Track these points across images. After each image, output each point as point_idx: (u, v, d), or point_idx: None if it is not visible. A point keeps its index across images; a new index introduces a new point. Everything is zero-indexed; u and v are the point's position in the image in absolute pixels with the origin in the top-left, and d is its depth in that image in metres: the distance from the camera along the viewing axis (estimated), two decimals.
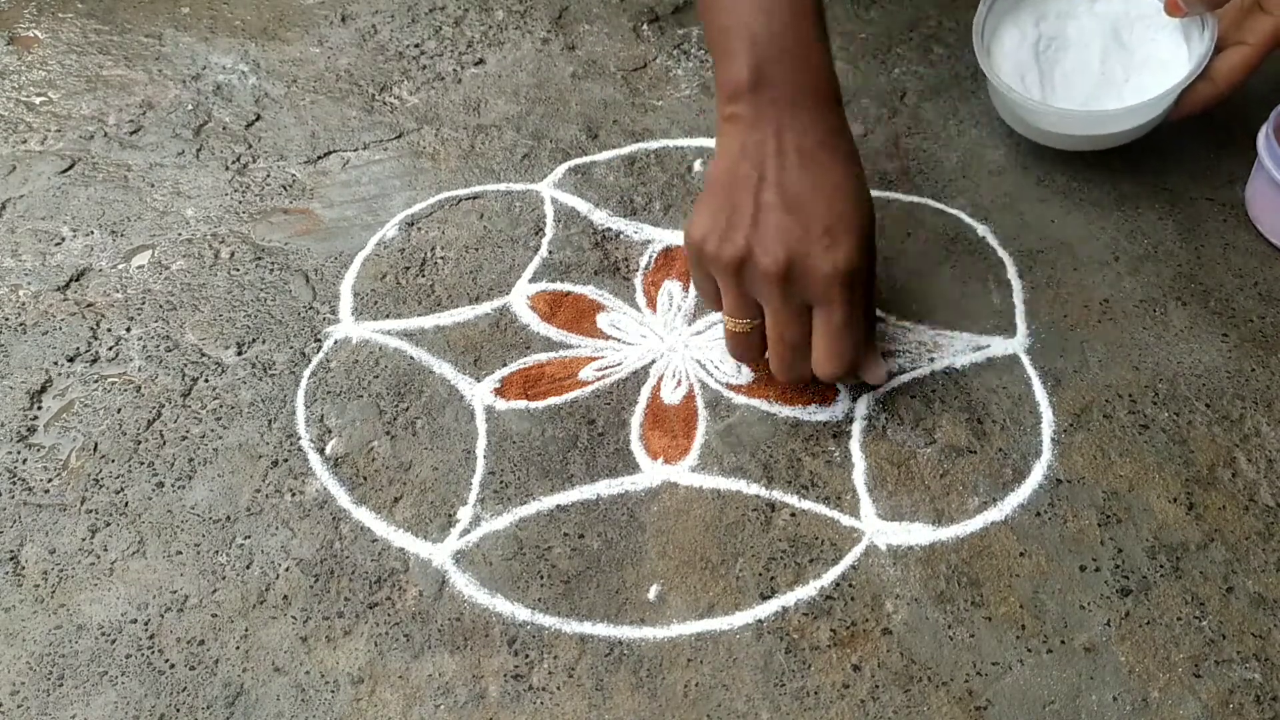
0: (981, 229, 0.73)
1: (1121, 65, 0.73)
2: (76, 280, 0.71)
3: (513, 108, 0.84)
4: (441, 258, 0.72)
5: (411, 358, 0.66)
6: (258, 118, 0.83)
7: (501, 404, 0.63)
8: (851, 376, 0.61)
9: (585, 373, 0.65)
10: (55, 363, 0.66)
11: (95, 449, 0.62)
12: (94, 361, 0.66)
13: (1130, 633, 0.53)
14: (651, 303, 0.69)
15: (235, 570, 0.56)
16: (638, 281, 0.71)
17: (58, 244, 0.74)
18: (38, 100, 0.85)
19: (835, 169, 0.55)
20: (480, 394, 0.64)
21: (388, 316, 0.69)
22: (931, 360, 0.65)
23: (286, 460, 0.61)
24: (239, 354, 0.67)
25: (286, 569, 0.56)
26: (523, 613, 0.54)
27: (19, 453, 0.62)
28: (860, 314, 0.56)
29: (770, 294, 0.55)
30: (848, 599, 0.54)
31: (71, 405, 0.64)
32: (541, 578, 0.56)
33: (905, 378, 0.64)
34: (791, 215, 0.53)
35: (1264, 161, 0.68)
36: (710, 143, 0.80)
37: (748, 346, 0.59)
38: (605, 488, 0.59)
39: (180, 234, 0.74)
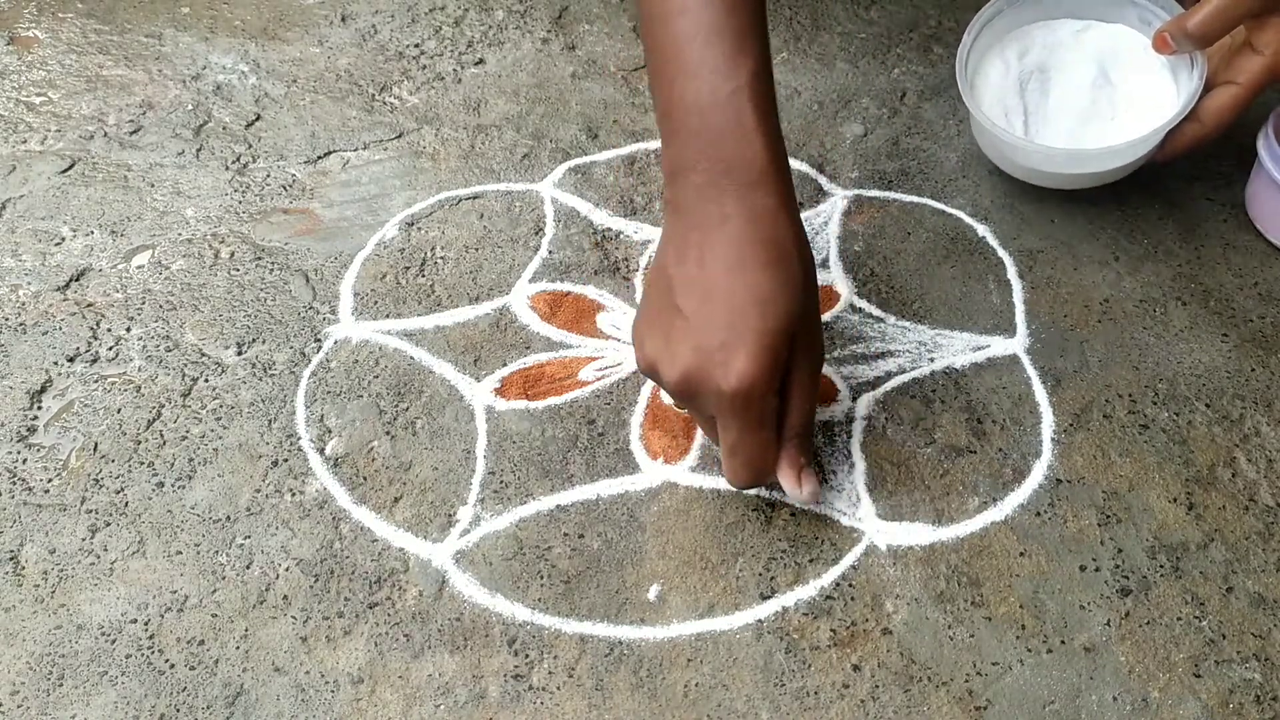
0: (981, 229, 0.73)
1: (1109, 102, 0.70)
2: (76, 280, 0.71)
3: (513, 108, 0.84)
4: (441, 258, 0.72)
5: (411, 358, 0.66)
6: (258, 118, 0.83)
7: (501, 404, 0.63)
8: (773, 484, 0.56)
9: (585, 373, 0.65)
10: (55, 363, 0.66)
11: (95, 449, 0.62)
12: (94, 361, 0.66)
13: (1130, 633, 0.53)
14: None
15: (235, 570, 0.56)
16: (638, 281, 0.71)
17: (58, 244, 0.74)
18: (38, 100, 0.85)
19: (745, 269, 0.49)
20: (480, 394, 0.64)
21: (388, 316, 0.69)
22: (931, 360, 0.65)
23: (286, 460, 0.61)
24: (239, 354, 0.67)
25: (286, 569, 0.56)
26: (523, 613, 0.54)
27: (19, 453, 0.61)
28: (758, 433, 0.50)
29: (682, 404, 0.53)
30: (848, 599, 0.54)
31: (71, 405, 0.64)
32: (541, 578, 0.56)
33: (905, 378, 0.64)
34: (694, 326, 0.49)
35: (1264, 161, 0.68)
36: None
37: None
38: (605, 488, 0.59)
39: (180, 234, 0.74)
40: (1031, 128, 0.70)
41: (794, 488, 0.54)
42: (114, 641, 0.53)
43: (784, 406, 0.52)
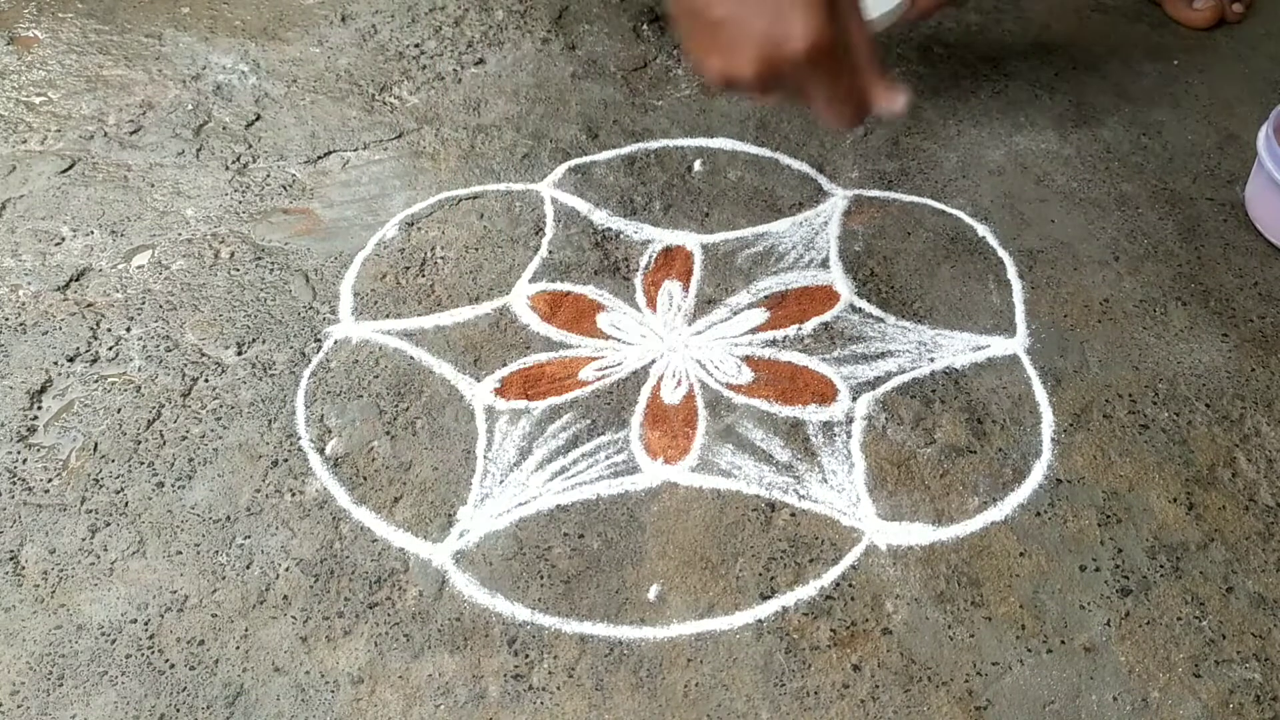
0: (981, 229, 0.73)
1: None
2: (76, 280, 0.71)
3: (513, 108, 0.84)
4: (441, 258, 0.72)
5: (411, 358, 0.66)
6: (258, 118, 0.83)
7: (501, 404, 0.63)
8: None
9: (585, 373, 0.65)
10: (55, 363, 0.66)
11: (95, 449, 0.62)
12: (94, 361, 0.66)
13: (1130, 633, 0.53)
14: (651, 303, 0.69)
15: (235, 570, 0.56)
16: (638, 281, 0.71)
17: (58, 244, 0.73)
18: (38, 100, 0.85)
19: None
20: (480, 394, 0.64)
21: (388, 316, 0.68)
22: (931, 360, 0.65)
23: (286, 460, 0.61)
24: (239, 354, 0.66)
25: (286, 569, 0.56)
26: (523, 613, 0.54)
27: (19, 453, 0.61)
28: (847, 76, 0.51)
29: (769, 93, 0.53)
30: (848, 599, 0.54)
31: (71, 405, 0.64)
32: (541, 578, 0.55)
33: (905, 378, 0.64)
34: (742, 20, 0.50)
35: (1264, 161, 0.68)
36: (711, 142, 0.80)
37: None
38: (605, 488, 0.59)
39: (180, 234, 0.74)
40: None
41: (891, 103, 0.53)
42: (114, 641, 0.53)
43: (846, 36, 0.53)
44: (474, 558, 0.56)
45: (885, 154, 0.79)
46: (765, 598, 0.54)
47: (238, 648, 0.53)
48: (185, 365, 0.66)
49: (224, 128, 0.82)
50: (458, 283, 0.70)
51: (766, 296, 0.69)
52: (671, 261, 0.72)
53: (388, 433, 0.62)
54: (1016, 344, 0.66)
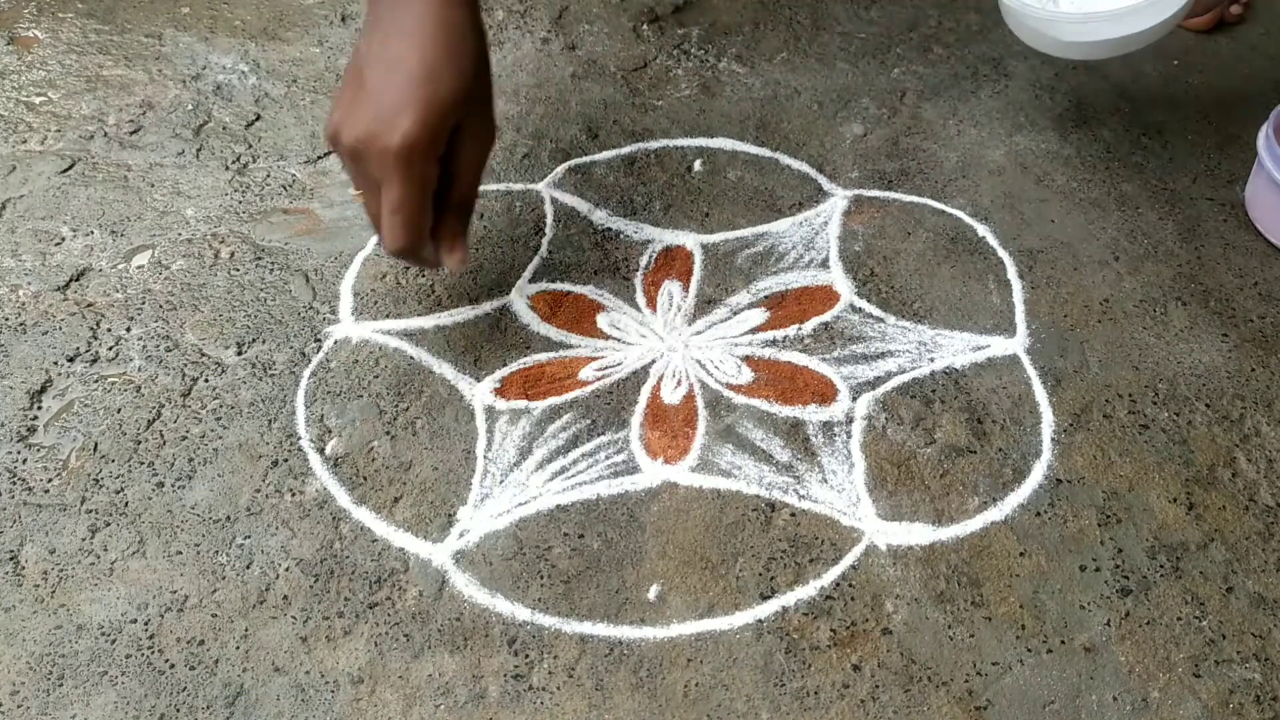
0: (981, 229, 0.73)
1: None
2: (76, 280, 0.71)
3: (513, 108, 0.84)
4: None
5: (411, 358, 0.66)
6: (258, 118, 0.83)
7: (501, 404, 0.63)
8: (429, 257, 0.60)
9: (585, 373, 0.65)
10: (55, 363, 0.66)
11: (95, 449, 0.62)
12: (94, 361, 0.66)
13: (1130, 633, 0.53)
14: (651, 303, 0.69)
15: (235, 570, 0.56)
16: (638, 281, 0.71)
17: (58, 244, 0.73)
18: (38, 100, 0.85)
19: (423, 45, 0.55)
20: (480, 394, 0.64)
21: (388, 316, 0.68)
22: (931, 360, 0.65)
23: (286, 460, 0.61)
24: (239, 354, 0.66)
25: (286, 569, 0.56)
26: (523, 613, 0.54)
27: (19, 453, 0.61)
28: (419, 195, 0.56)
29: (350, 170, 0.58)
30: (848, 599, 0.54)
31: (71, 405, 0.64)
32: (541, 578, 0.56)
33: (905, 378, 0.64)
34: (372, 94, 0.55)
35: (1264, 161, 0.68)
36: (711, 142, 0.80)
37: (369, 215, 0.61)
38: (605, 488, 0.59)
39: (180, 234, 0.74)
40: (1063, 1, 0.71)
41: (446, 253, 0.60)
42: (114, 641, 0.53)
43: (451, 179, 0.58)
44: (474, 558, 0.56)
45: (885, 154, 0.79)
46: (765, 598, 0.54)
47: (238, 648, 0.53)
48: (185, 365, 0.66)
49: (224, 128, 0.82)
50: (458, 283, 0.70)
51: (766, 296, 0.69)
52: (671, 261, 0.72)
53: (388, 433, 0.62)
54: (1016, 344, 0.66)
